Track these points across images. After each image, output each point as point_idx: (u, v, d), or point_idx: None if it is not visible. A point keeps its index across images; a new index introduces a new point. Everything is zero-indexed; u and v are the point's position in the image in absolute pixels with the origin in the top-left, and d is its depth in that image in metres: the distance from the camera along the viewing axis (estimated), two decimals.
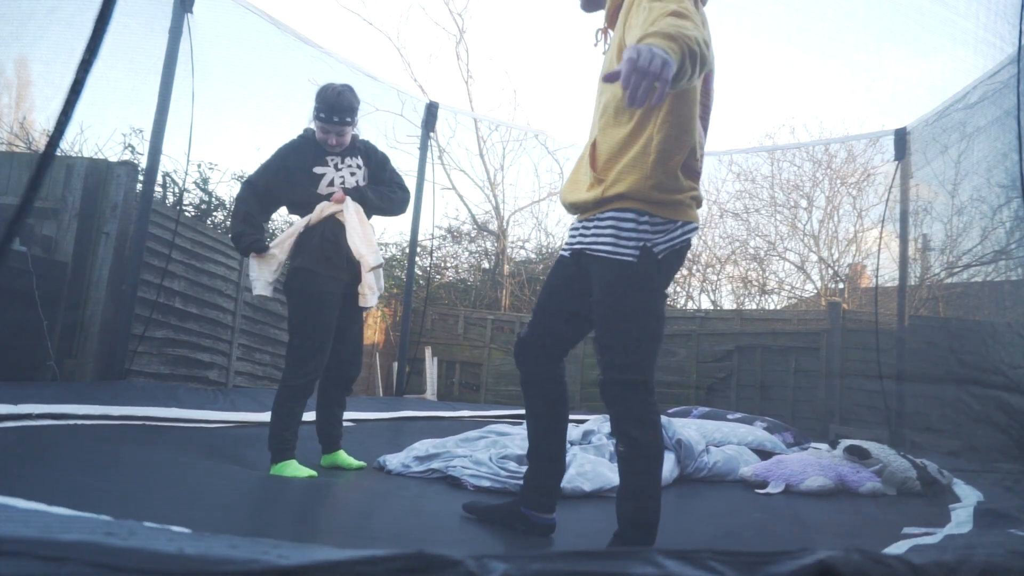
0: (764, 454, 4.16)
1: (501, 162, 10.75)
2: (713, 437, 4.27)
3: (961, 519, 2.66)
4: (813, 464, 3.51)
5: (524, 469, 3.06)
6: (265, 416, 3.56)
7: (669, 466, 3.54)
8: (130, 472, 2.63)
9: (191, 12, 4.76)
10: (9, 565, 0.59)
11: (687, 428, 4.04)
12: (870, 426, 6.22)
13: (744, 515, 3.00)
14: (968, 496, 3.20)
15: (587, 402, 8.21)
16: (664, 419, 3.88)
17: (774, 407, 7.10)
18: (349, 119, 3.30)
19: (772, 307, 10.04)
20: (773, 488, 3.43)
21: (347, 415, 3.51)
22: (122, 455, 2.89)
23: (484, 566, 0.87)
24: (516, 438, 3.50)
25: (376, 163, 3.50)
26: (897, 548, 1.93)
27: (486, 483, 3.03)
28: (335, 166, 3.35)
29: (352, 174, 3.37)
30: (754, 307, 9.94)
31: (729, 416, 5.28)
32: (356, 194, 3.32)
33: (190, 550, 0.72)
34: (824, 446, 3.89)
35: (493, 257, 10.57)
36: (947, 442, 4.27)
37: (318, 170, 3.31)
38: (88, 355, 4.55)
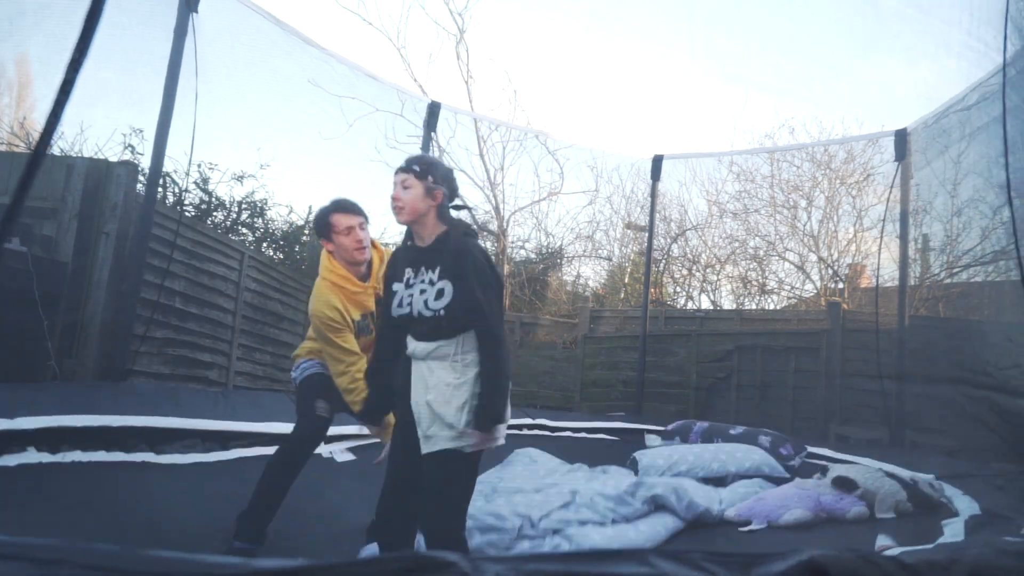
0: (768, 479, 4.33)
1: (501, 162, 10.74)
2: (711, 468, 4.35)
3: (954, 532, 2.66)
4: (792, 497, 3.59)
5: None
6: (265, 427, 3.60)
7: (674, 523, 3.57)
8: (125, 512, 2.63)
9: (196, 12, 4.75)
10: (4, 568, 0.59)
11: (688, 480, 4.03)
12: (870, 426, 6.22)
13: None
14: (964, 509, 3.20)
15: (587, 402, 8.22)
16: (677, 484, 3.79)
17: (774, 407, 7.11)
18: (416, 167, 2.50)
19: (772, 307, 10.04)
20: (756, 525, 3.53)
21: (348, 417, 3.50)
22: (117, 496, 2.89)
23: (478, 567, 0.87)
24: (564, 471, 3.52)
25: (464, 279, 2.40)
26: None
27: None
28: (407, 281, 2.51)
29: (423, 292, 2.45)
30: (754, 307, 9.95)
31: (731, 431, 5.30)
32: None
33: (180, 552, 0.72)
34: (815, 476, 3.96)
35: (493, 257, 10.58)
36: (946, 442, 4.27)
37: (395, 286, 2.55)
38: (88, 355, 4.55)
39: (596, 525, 3.26)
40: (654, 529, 3.37)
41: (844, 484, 3.54)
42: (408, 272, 2.50)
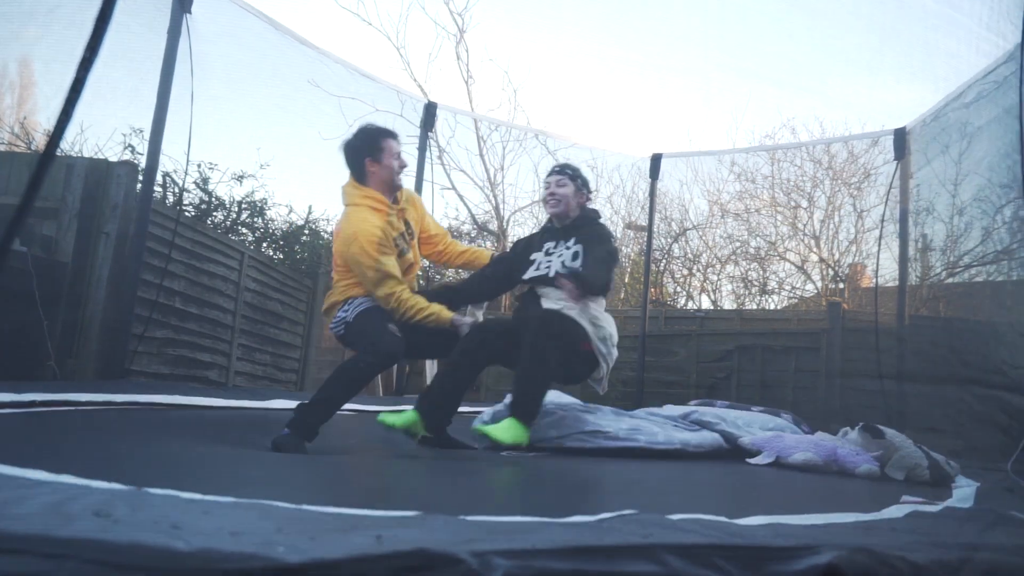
0: None
1: (501, 162, 10.73)
2: (736, 424, 4.34)
3: (962, 496, 2.66)
4: (808, 442, 3.61)
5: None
6: (264, 403, 3.57)
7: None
8: (139, 447, 2.61)
9: (189, 12, 4.74)
10: (12, 563, 0.58)
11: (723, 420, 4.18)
12: None
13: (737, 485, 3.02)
14: (970, 484, 3.21)
15: (587, 402, 8.18)
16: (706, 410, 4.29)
17: (774, 407, 7.09)
18: (569, 171, 3.36)
19: (772, 307, 10.04)
20: (764, 459, 3.53)
21: (349, 406, 3.45)
22: (130, 433, 2.88)
23: (486, 563, 0.86)
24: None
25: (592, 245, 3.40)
26: (895, 511, 1.92)
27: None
28: (546, 250, 3.29)
29: (560, 257, 3.27)
30: (754, 307, 9.94)
31: (753, 409, 5.29)
32: None
33: (186, 545, 0.71)
34: (840, 432, 3.95)
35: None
36: (949, 442, 4.26)
37: (533, 255, 3.34)
38: (88, 355, 4.54)
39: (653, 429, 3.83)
40: (704, 439, 3.82)
41: (871, 431, 3.54)
42: (548, 244, 3.21)
